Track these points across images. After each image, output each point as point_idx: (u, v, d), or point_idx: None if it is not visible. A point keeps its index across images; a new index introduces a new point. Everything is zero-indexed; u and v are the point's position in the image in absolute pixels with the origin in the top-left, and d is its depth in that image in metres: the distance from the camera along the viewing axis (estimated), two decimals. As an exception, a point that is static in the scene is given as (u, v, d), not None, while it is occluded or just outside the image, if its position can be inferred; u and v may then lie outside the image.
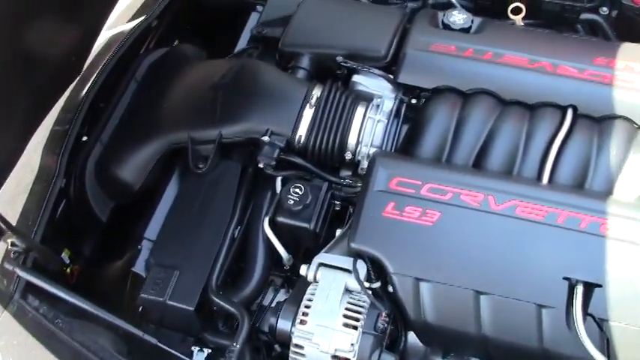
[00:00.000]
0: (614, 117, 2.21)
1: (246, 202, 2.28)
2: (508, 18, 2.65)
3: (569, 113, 2.21)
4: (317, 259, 2.05)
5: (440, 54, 2.34)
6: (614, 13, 2.76)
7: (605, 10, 2.76)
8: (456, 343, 2.05)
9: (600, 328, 1.90)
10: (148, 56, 2.63)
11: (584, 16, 2.74)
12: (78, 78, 2.46)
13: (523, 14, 2.62)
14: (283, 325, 2.02)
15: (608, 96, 2.24)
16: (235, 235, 2.24)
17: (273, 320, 2.03)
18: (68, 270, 2.27)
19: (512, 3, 2.64)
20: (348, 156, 2.26)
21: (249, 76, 2.37)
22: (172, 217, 2.27)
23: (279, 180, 2.24)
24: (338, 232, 2.18)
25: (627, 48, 2.38)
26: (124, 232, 2.36)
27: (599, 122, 2.21)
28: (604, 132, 2.18)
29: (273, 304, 2.18)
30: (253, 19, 2.78)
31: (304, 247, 2.21)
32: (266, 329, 2.11)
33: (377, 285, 2.02)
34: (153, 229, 2.26)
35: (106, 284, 2.33)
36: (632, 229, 1.96)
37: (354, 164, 2.29)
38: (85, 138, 2.43)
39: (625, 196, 2.09)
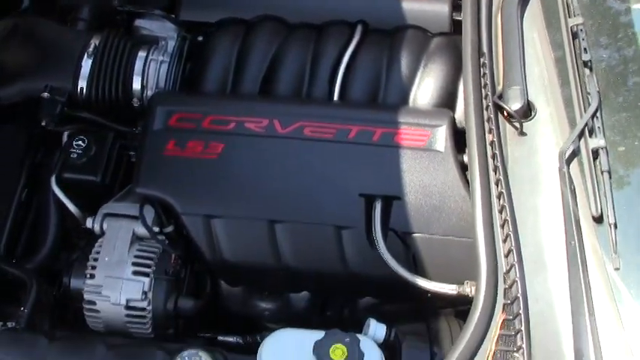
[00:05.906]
0: (406, 27, 2.14)
1: (35, 164, 2.14)
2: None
3: (359, 29, 2.13)
4: (102, 210, 1.94)
5: None
6: None
7: None
8: (260, 278, 1.95)
9: (403, 242, 1.83)
10: None
11: None
12: None
13: None
14: (76, 283, 1.88)
15: (398, 7, 2.17)
16: (23, 199, 2.09)
17: (65, 280, 1.90)
18: None
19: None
20: (136, 103, 2.14)
21: (23, 33, 2.21)
22: None
23: (65, 135, 2.10)
24: None
25: None
26: None
27: (391, 35, 2.13)
28: (395, 44, 2.10)
29: None
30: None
31: (98, 202, 2.08)
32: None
33: (170, 229, 1.92)
34: None
35: None
36: (423, 135, 1.90)
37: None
38: None
39: (419, 104, 2.03)
